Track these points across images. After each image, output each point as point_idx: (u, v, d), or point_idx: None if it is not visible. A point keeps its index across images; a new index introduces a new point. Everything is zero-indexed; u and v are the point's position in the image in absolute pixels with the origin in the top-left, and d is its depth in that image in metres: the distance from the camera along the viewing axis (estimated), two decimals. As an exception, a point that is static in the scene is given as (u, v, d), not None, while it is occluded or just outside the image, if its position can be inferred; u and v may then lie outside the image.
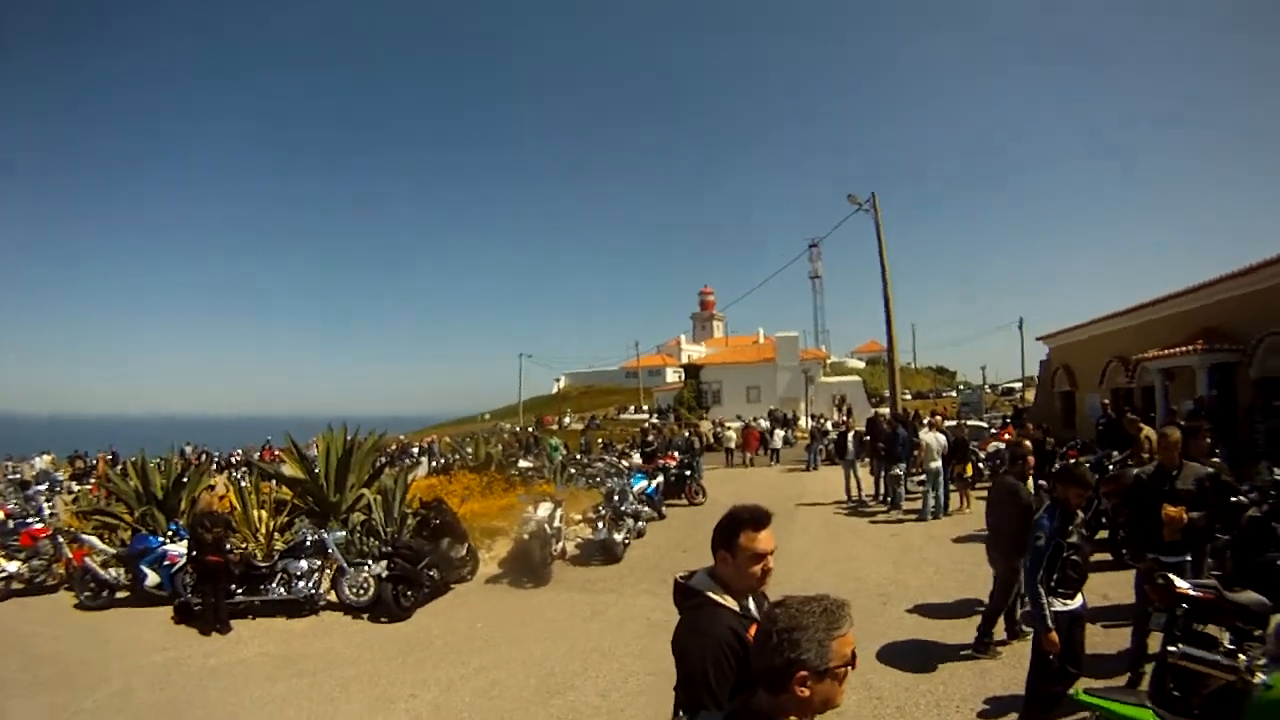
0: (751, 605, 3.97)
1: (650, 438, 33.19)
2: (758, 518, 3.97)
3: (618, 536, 17.16)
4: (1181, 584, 7.42)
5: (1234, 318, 23.03)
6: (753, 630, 3.53)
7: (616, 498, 18.62)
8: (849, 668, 2.90)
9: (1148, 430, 15.15)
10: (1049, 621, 7.20)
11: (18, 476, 37.52)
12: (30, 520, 19.55)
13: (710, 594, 3.91)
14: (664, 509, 22.81)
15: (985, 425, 33.40)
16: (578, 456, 35.60)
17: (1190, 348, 23.11)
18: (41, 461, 46.53)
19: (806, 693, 2.82)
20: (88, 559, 15.37)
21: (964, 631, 10.75)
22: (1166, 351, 24.41)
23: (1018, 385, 78.43)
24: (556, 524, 16.87)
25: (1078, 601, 7.59)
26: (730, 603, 3.89)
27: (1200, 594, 7.37)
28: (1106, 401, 26.63)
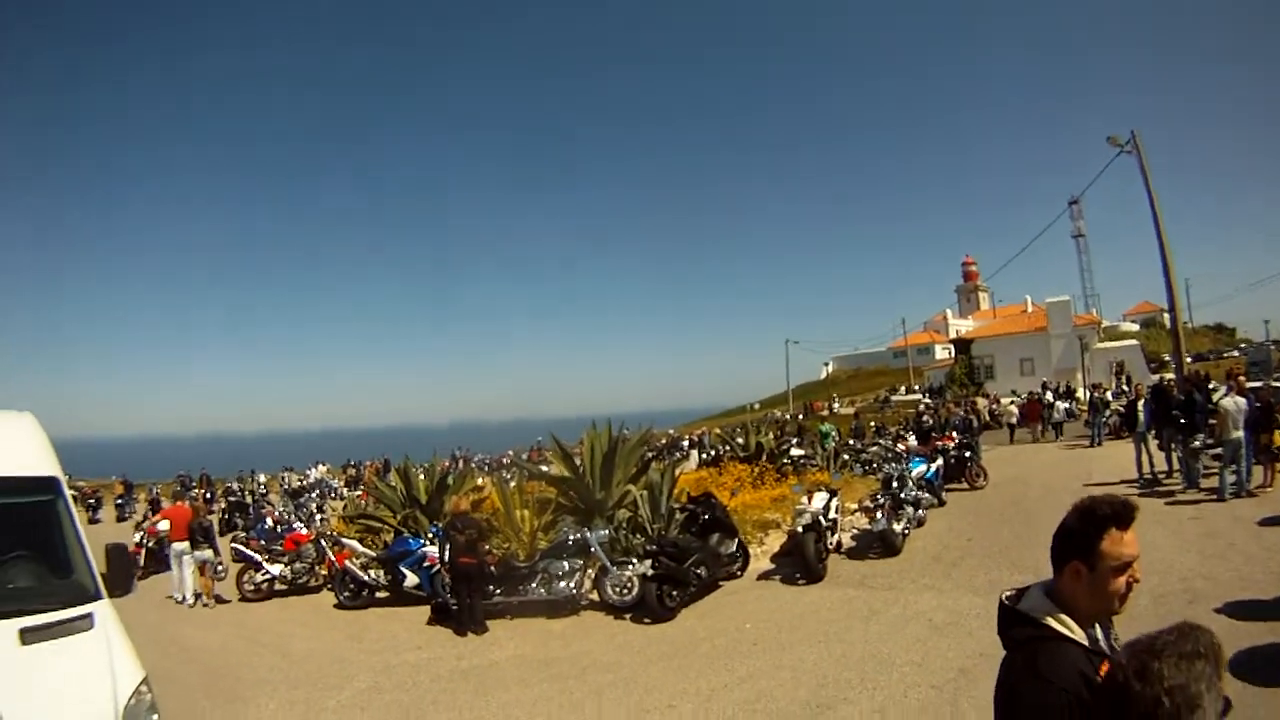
0: (1099, 634, 2.95)
1: (925, 418, 31.69)
2: (1122, 512, 2.80)
3: (897, 527, 15.73)
4: None
5: None
6: (1104, 670, 2.69)
7: (895, 484, 17.17)
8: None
9: None
10: None
11: (290, 486, 39.01)
12: (296, 526, 20.28)
13: (1052, 622, 2.84)
14: (944, 494, 21.04)
15: None
16: (850, 442, 33.93)
17: None
18: (317, 471, 48.90)
19: None
20: (348, 561, 15.62)
21: None
22: None
23: None
24: (832, 515, 15.77)
25: None
26: (1078, 634, 2.83)
27: None
28: None
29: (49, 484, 7.47)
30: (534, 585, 13.79)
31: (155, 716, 5.96)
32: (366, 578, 15.36)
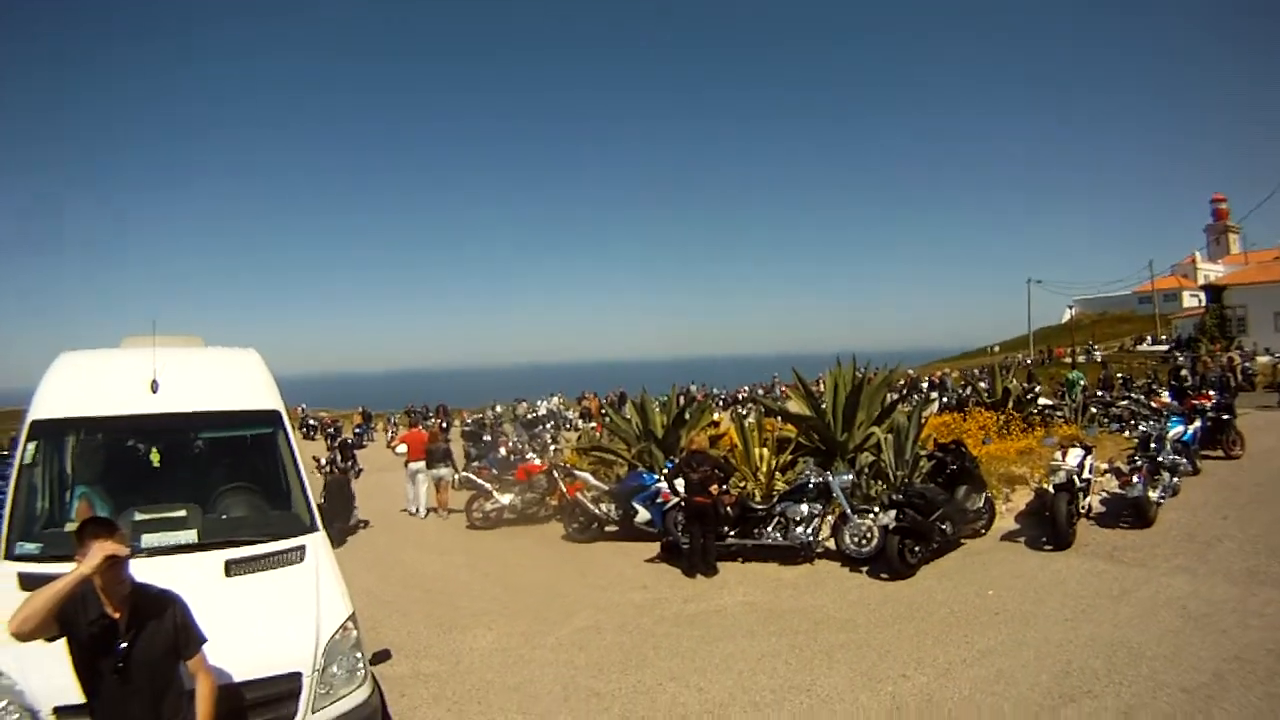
0: None
1: (1184, 373, 29.60)
2: None
3: (1153, 494, 14.33)
4: None
5: None
6: None
7: (1153, 445, 15.86)
8: None
9: None
10: None
11: (530, 415, 39.55)
12: (529, 456, 20.30)
13: None
14: (1198, 462, 18.81)
15: None
16: (1099, 394, 31.40)
17: None
18: (550, 402, 49.40)
19: None
20: (579, 494, 15.59)
21: None
22: None
23: None
24: (1087, 474, 14.58)
25: None
26: None
27: None
28: None
29: (271, 417, 7.58)
30: (769, 529, 13.30)
31: (359, 654, 5.84)
32: (597, 511, 15.25)
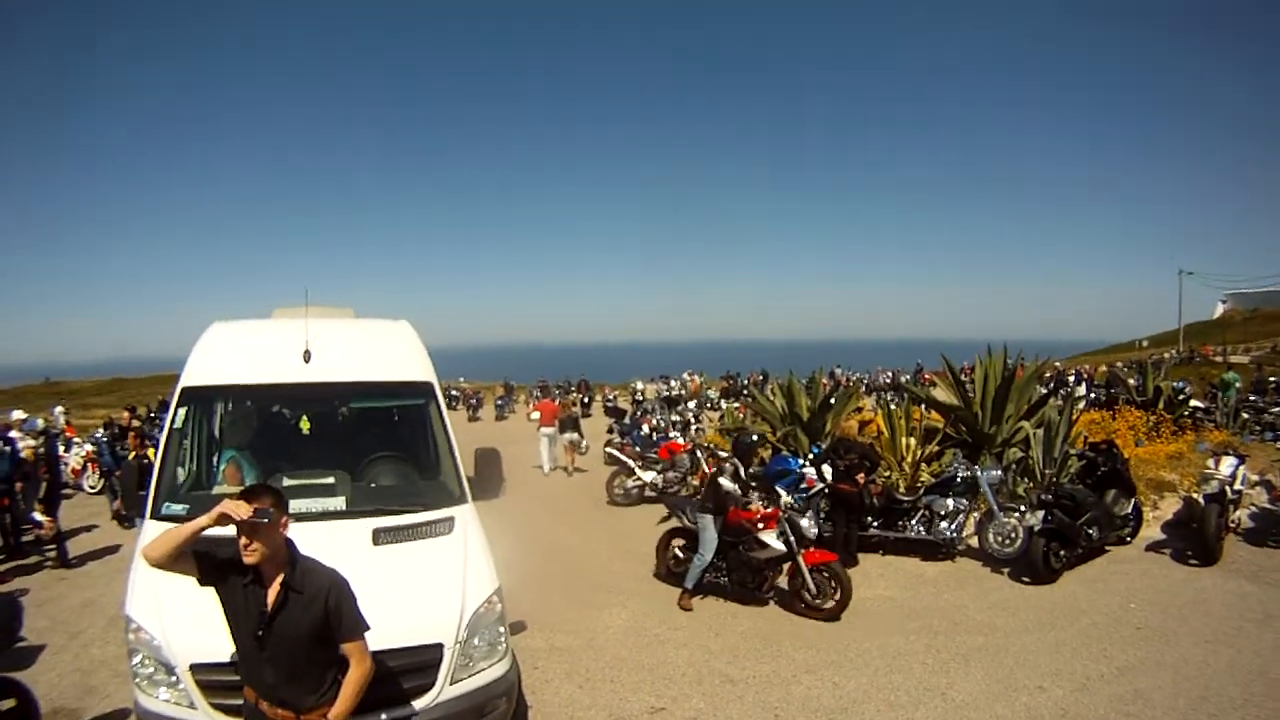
0: None
1: None
2: None
3: (1294, 510, 13.94)
4: None
5: None
6: None
7: (1317, 458, 15.27)
8: None
9: None
10: None
11: (668, 393, 39.62)
12: (673, 435, 20.48)
13: None
14: None
15: None
16: (1250, 398, 29.34)
17: None
18: (696, 380, 49.36)
19: None
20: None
21: None
22: None
23: None
24: (1239, 486, 14.01)
25: None
26: None
27: None
28: None
29: (424, 388, 7.75)
30: (913, 522, 13.16)
31: (502, 629, 5.93)
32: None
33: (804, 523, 10.81)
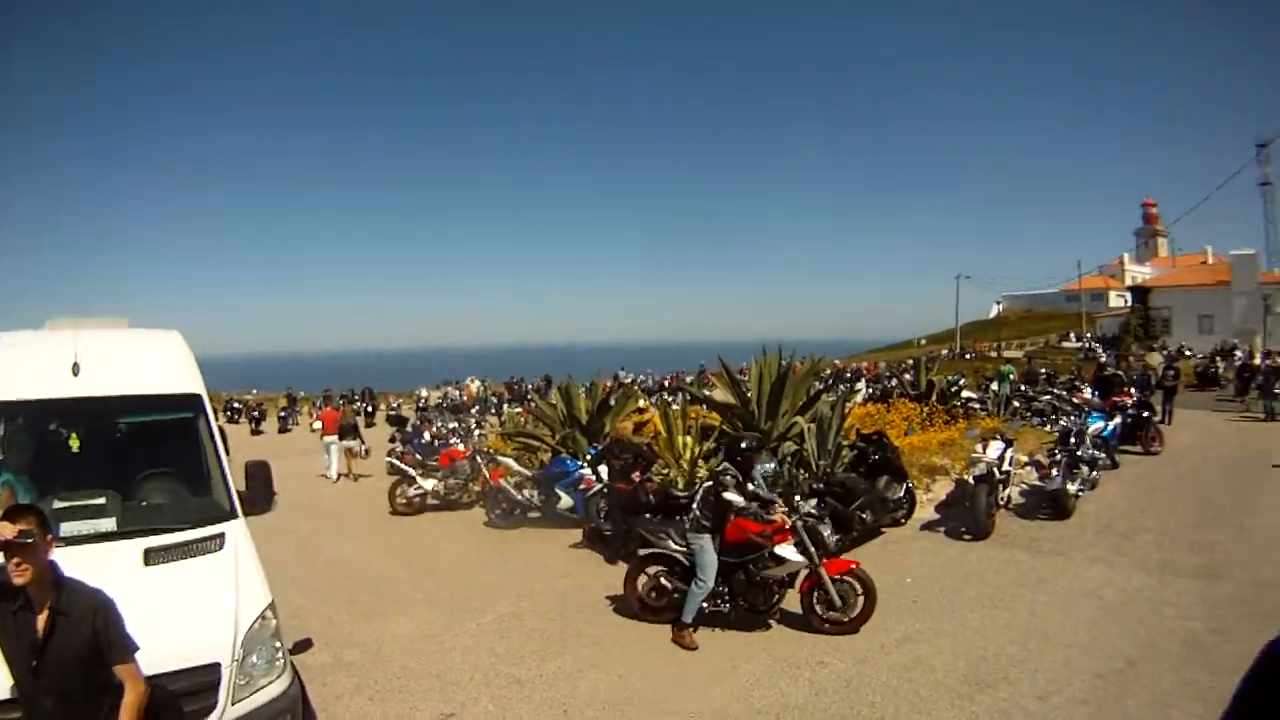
0: None
1: (1109, 370, 30.05)
2: None
3: (1071, 487, 14.91)
4: None
5: None
6: None
7: (1072, 439, 16.28)
8: None
9: None
10: None
11: (450, 401, 39.41)
12: (453, 441, 20.28)
13: None
14: (1117, 457, 19.89)
15: None
16: (1022, 388, 32.30)
17: None
18: (474, 386, 49.35)
19: None
20: (502, 479, 15.55)
21: None
22: None
23: None
24: (1007, 467, 15.05)
25: None
26: None
27: None
28: None
29: (192, 400, 7.45)
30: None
31: (278, 643, 5.76)
32: (520, 497, 15.24)
33: (824, 530, 10.79)
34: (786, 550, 9.62)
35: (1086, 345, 62.83)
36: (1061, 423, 18.69)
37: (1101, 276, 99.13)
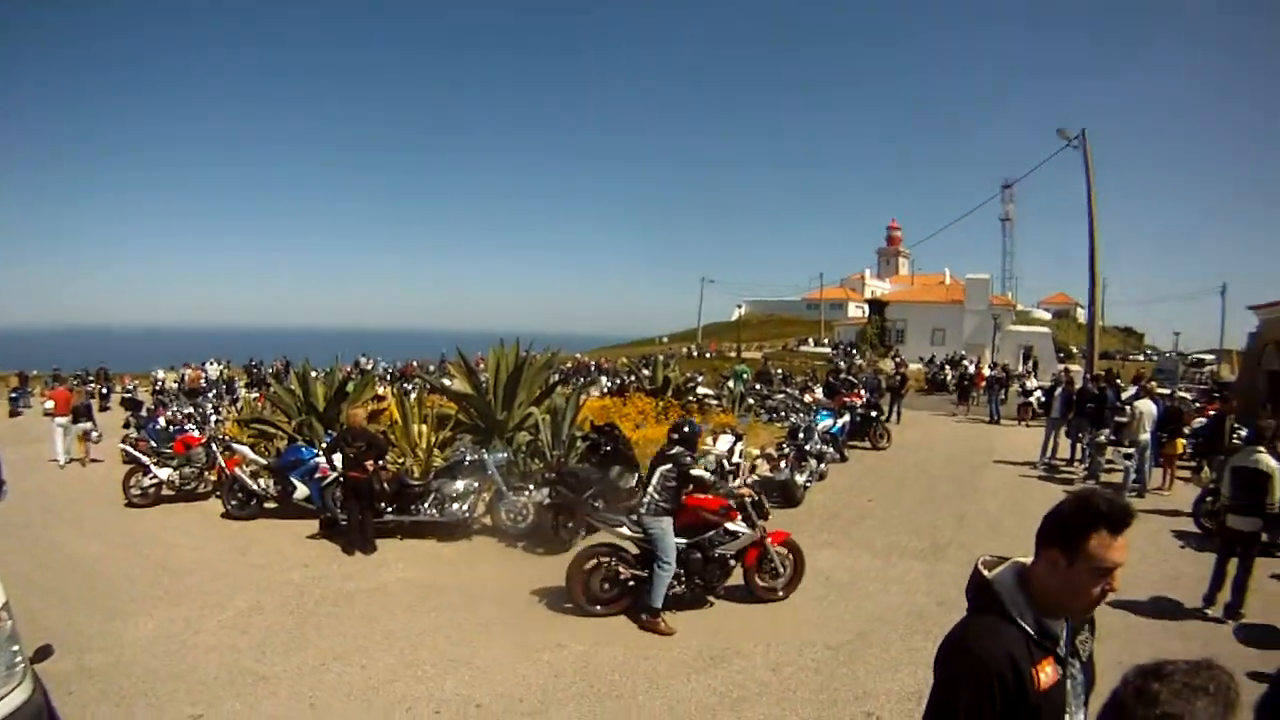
0: (1063, 632, 2.81)
1: (842, 373, 31.83)
2: (1119, 516, 2.71)
3: (799, 478, 15.93)
4: None
5: None
6: (1045, 668, 2.69)
7: (801, 435, 17.39)
8: None
9: None
10: None
11: (188, 384, 38.07)
12: (188, 428, 19.81)
13: (1006, 603, 2.78)
14: (846, 451, 21.49)
15: (1189, 398, 30.72)
16: (756, 387, 34.04)
17: None
18: (212, 369, 48.23)
19: None
20: (238, 468, 15.19)
21: (1174, 638, 9.82)
22: None
23: (1210, 357, 70.10)
24: (736, 459, 15.92)
25: None
26: (1027, 619, 2.76)
27: None
28: None
29: None
30: (426, 505, 13.60)
31: (16, 647, 5.43)
32: (256, 487, 14.96)
33: (765, 503, 11.08)
34: (737, 525, 10.35)
35: (841, 351, 66.25)
36: (792, 419, 19.72)
37: (843, 289, 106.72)
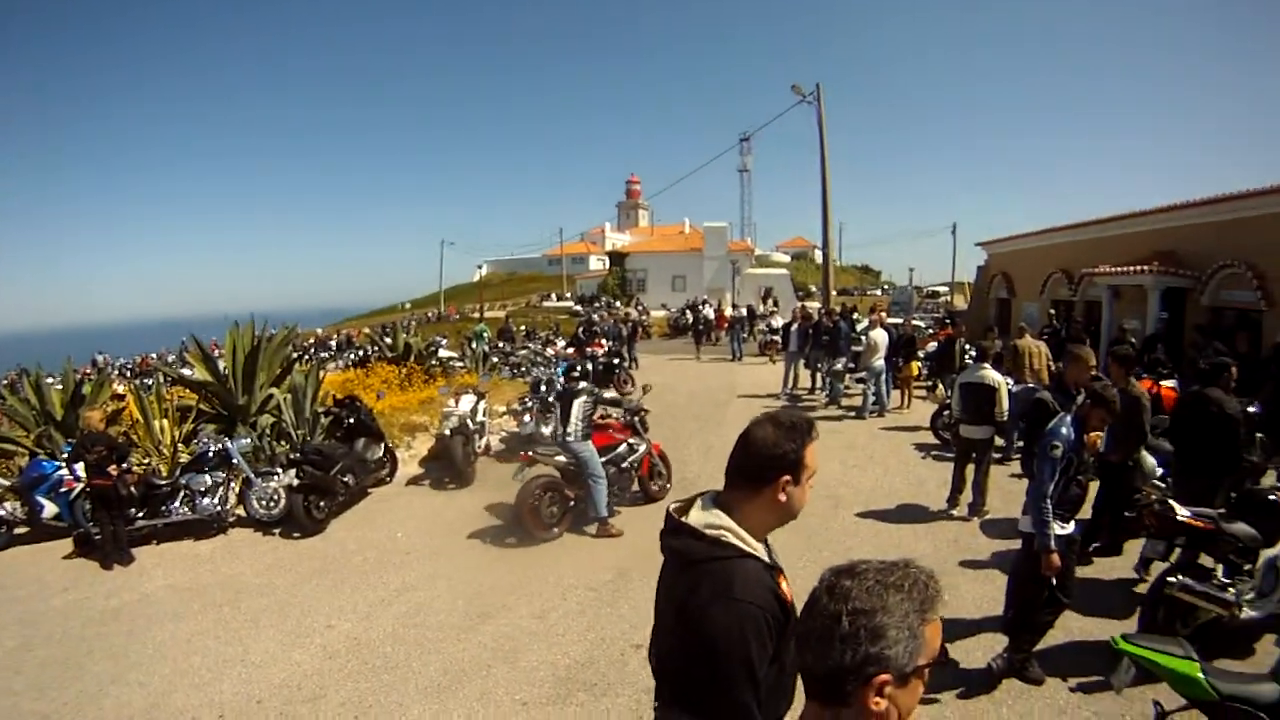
0: (766, 548, 3.02)
1: (595, 328, 32.54)
2: (811, 424, 3.04)
3: (545, 430, 16.12)
4: (1182, 512, 7.52)
5: (1189, 245, 23.65)
6: (783, 583, 2.87)
7: (543, 388, 17.95)
8: (936, 664, 2.03)
9: (1026, 341, 16.34)
10: (1052, 542, 6.77)
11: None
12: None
13: (734, 539, 2.87)
14: None
15: (924, 325, 33.60)
16: (499, 345, 34.59)
17: (1146, 267, 23.55)
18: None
19: (883, 705, 1.95)
20: None
21: (923, 539, 10.90)
22: (1121, 268, 24.86)
23: (943, 289, 78.63)
24: (480, 418, 16.31)
25: (1072, 526, 7.16)
26: (759, 549, 2.92)
27: (1200, 523, 7.49)
28: (1053, 311, 28.39)
29: None
30: (177, 504, 13.26)
31: None
32: (3, 512, 13.94)
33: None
34: (636, 440, 12.96)
35: (578, 304, 68.30)
36: (534, 373, 20.17)
37: (584, 243, 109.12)
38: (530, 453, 12.38)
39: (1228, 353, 15.37)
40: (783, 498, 2.92)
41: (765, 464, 2.93)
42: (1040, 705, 6.87)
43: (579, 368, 12.70)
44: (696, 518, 2.95)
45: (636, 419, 13.25)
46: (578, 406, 11.93)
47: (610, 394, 14.14)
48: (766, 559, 2.91)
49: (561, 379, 16.72)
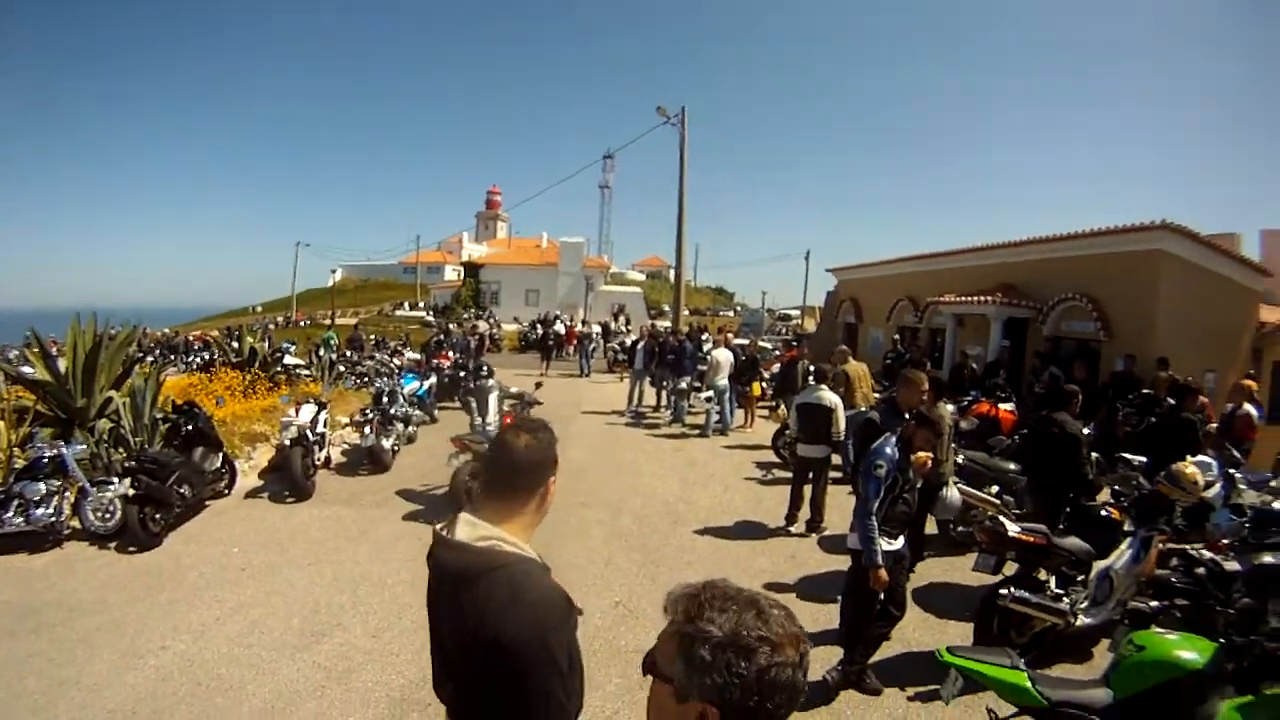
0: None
1: (444, 338, 32.73)
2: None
3: (386, 443, 16.47)
4: (1012, 528, 7.91)
5: (1033, 278, 25.27)
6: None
7: (385, 399, 17.95)
8: None
9: (852, 365, 17.07)
10: (879, 558, 7.11)
11: None
12: None
13: (514, 548, 2.91)
14: (436, 412, 22.64)
15: (770, 347, 35.23)
16: (347, 353, 34.48)
17: (990, 298, 25.05)
18: None
19: None
20: None
21: (761, 555, 11.22)
22: (966, 298, 26.30)
23: (795, 312, 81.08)
24: (320, 429, 16.19)
25: (900, 542, 7.55)
26: (533, 552, 2.99)
27: (1030, 538, 7.86)
28: (897, 337, 30.47)
29: None
30: (10, 515, 12.57)
31: None
32: None
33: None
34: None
35: (430, 314, 68.92)
36: (376, 384, 20.13)
37: (440, 252, 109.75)
38: (462, 440, 13.42)
39: (1063, 379, 16.37)
40: (549, 496, 3.16)
41: (538, 469, 3.11)
42: (879, 715, 7.20)
43: (485, 368, 13.85)
44: (466, 533, 2.96)
45: (529, 410, 14.68)
46: (494, 399, 14.25)
47: (514, 389, 15.48)
48: (539, 560, 2.99)
49: (405, 388, 17.06)
